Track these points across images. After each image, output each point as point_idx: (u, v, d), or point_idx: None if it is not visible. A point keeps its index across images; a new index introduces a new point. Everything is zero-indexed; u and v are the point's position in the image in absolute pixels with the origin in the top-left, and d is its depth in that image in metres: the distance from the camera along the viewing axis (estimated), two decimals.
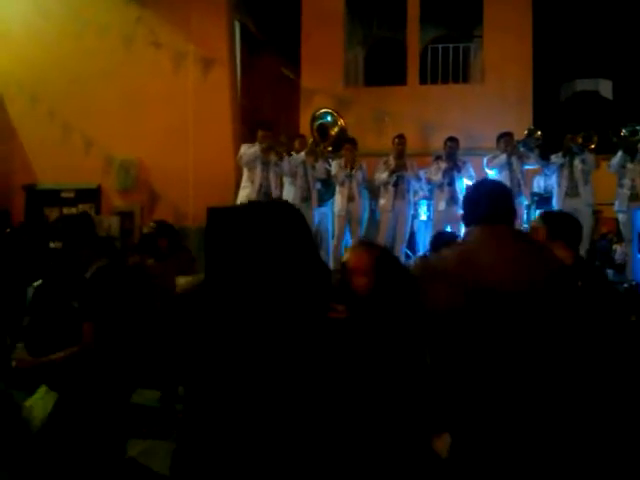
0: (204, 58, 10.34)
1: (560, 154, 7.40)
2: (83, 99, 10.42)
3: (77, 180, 10.58)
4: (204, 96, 10.26)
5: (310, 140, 7.62)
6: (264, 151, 7.36)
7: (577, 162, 7.30)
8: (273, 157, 7.45)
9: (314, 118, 7.40)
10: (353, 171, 7.57)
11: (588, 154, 7.32)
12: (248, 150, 7.44)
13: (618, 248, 8.06)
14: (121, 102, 10.34)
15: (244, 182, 7.56)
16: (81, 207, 10.27)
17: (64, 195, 10.71)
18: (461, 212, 2.55)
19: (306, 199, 7.62)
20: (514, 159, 7.30)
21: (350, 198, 7.62)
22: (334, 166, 7.74)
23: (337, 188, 7.76)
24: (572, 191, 7.33)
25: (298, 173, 7.54)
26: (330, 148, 7.34)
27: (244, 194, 7.43)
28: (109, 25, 10.43)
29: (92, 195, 10.77)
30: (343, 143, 7.58)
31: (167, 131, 10.11)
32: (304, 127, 8.16)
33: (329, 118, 7.37)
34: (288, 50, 11.99)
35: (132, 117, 10.25)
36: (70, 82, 10.49)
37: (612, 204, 7.53)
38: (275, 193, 7.46)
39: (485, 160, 7.48)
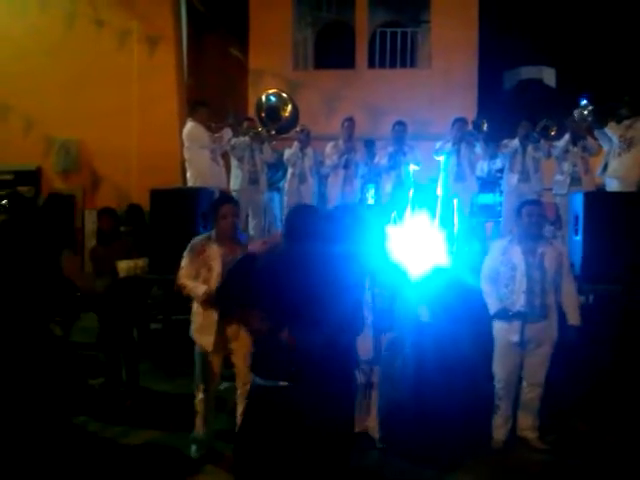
0: (149, 36, 10.06)
1: (515, 140, 7.52)
2: (23, 77, 10.02)
3: (16, 161, 10.19)
4: (149, 75, 10.02)
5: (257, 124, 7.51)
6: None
7: (530, 149, 7.45)
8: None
9: (259, 105, 7.25)
10: (305, 150, 7.59)
11: (543, 142, 7.47)
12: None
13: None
14: (62, 80, 10.00)
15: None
16: (20, 190, 9.90)
17: (2, 177, 10.28)
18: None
19: (254, 182, 7.56)
20: (463, 145, 7.40)
21: (302, 179, 7.61)
22: (287, 151, 7.71)
23: (289, 170, 7.74)
24: (523, 177, 7.49)
25: (245, 156, 7.47)
26: (274, 132, 7.22)
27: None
28: (51, 1, 10.05)
29: (31, 177, 10.40)
30: (296, 124, 7.49)
31: (110, 111, 9.83)
32: (252, 109, 8.06)
33: (273, 98, 7.24)
34: (236, 30, 11.81)
35: (74, 96, 9.93)
36: (9, 59, 10.08)
37: (551, 189, 7.73)
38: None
39: (436, 146, 7.55)
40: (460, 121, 7.50)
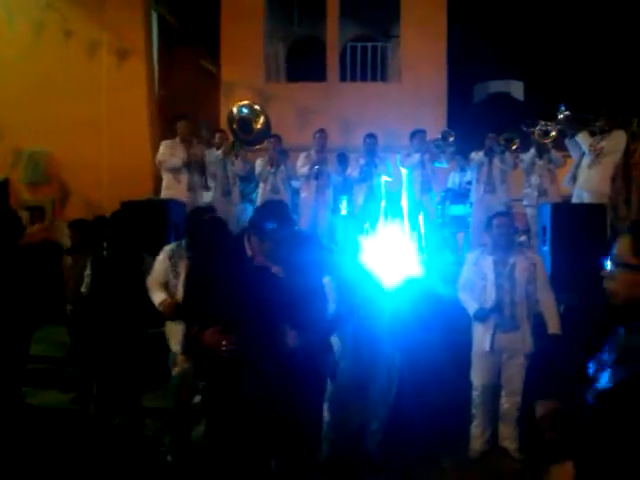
0: (119, 48, 10.01)
1: (481, 152, 7.63)
2: None
3: None
4: (119, 87, 9.94)
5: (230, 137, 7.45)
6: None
7: (496, 161, 7.58)
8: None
9: (231, 117, 7.21)
10: (276, 168, 7.55)
11: (508, 154, 7.60)
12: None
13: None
14: (31, 91, 9.85)
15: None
16: None
17: None
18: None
19: (227, 194, 7.52)
20: (426, 157, 7.49)
21: (275, 191, 7.57)
22: (257, 164, 7.68)
23: (260, 184, 7.71)
24: (489, 188, 7.60)
25: (217, 169, 7.45)
26: (245, 144, 7.19)
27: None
28: (19, 10, 9.93)
29: None
30: (268, 136, 7.45)
31: (80, 122, 9.72)
32: (224, 121, 8.05)
33: (245, 110, 7.21)
34: (208, 43, 11.82)
35: (43, 107, 9.78)
36: None
37: (521, 200, 7.87)
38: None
39: (399, 158, 7.62)
40: (420, 132, 7.59)
